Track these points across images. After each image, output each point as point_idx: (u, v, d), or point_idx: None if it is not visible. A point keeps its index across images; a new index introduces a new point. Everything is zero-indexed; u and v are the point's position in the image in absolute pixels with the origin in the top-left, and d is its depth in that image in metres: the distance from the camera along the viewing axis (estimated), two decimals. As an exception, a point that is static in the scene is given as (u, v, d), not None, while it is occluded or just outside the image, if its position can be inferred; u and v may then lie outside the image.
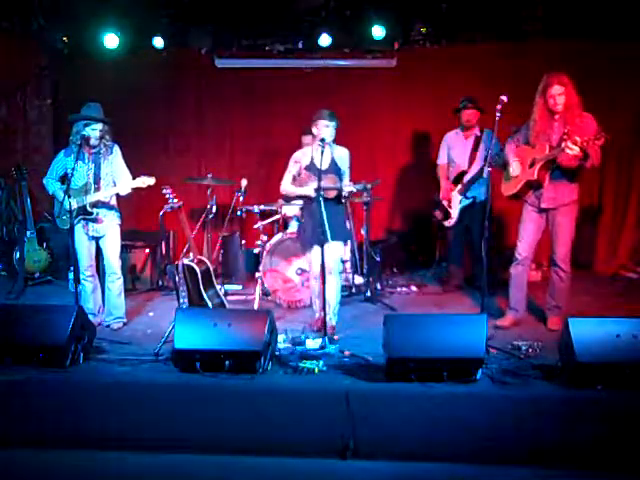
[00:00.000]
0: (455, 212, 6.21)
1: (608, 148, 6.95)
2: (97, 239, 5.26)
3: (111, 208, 5.22)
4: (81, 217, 5.12)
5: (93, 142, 5.12)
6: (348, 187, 4.86)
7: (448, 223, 6.30)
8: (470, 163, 6.21)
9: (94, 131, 5.09)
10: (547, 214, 4.98)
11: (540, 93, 4.81)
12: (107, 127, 5.18)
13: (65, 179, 5.09)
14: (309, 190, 4.89)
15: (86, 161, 5.15)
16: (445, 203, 6.29)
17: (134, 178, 5.11)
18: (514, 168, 4.95)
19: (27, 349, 4.10)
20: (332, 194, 4.84)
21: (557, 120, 4.81)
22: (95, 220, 5.15)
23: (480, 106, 6.19)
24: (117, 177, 5.20)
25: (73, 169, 4.94)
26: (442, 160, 6.47)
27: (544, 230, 5.05)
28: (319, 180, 4.68)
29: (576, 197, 4.96)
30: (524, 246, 5.05)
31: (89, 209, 5.10)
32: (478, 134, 6.24)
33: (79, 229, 5.14)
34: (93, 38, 6.89)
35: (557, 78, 4.73)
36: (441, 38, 7.07)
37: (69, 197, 4.85)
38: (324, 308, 4.63)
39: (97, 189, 5.13)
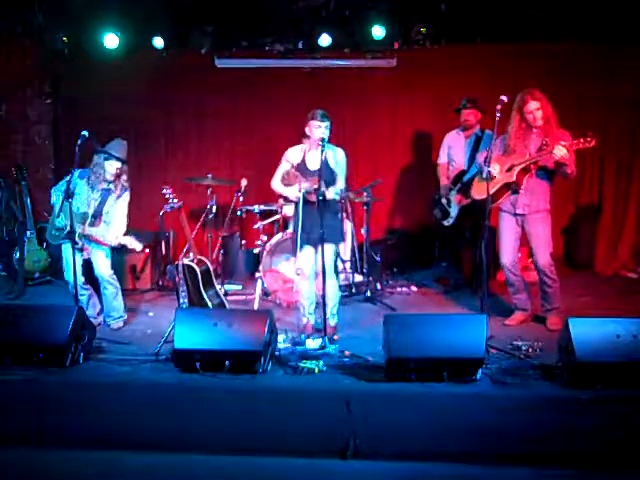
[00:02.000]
0: (454, 212, 6.21)
1: (608, 148, 7.12)
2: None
3: (99, 246, 5.15)
4: (68, 239, 4.98)
5: (108, 177, 5.13)
6: (328, 192, 4.73)
7: (447, 223, 6.30)
8: (470, 163, 6.20)
9: (111, 167, 5.10)
10: (522, 220, 5.07)
11: (516, 110, 4.94)
12: (126, 167, 5.19)
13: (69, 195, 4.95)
14: (292, 192, 4.88)
15: (94, 192, 5.14)
16: (444, 202, 6.28)
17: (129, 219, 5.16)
18: (495, 169, 4.92)
19: (27, 349, 4.10)
20: (312, 197, 4.74)
21: (535, 133, 4.93)
22: (80, 249, 5.02)
23: (480, 107, 6.19)
24: (113, 219, 5.14)
25: (73, 190, 4.87)
26: (442, 159, 6.47)
27: (521, 234, 5.13)
28: (319, 180, 4.66)
29: (549, 207, 5.04)
30: (507, 254, 5.14)
31: (77, 239, 4.91)
32: (479, 134, 6.24)
33: (67, 246, 5.08)
34: (93, 38, 6.89)
35: (531, 95, 4.87)
36: (441, 38, 7.05)
37: (65, 216, 4.81)
38: (324, 310, 4.60)
39: (93, 224, 5.09)
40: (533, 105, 4.86)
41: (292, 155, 5.02)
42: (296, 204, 4.96)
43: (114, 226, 5.13)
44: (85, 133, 4.69)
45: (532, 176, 4.95)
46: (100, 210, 5.14)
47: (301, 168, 4.93)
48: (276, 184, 5.04)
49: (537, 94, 4.87)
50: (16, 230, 7.01)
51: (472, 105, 6.21)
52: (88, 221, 5.08)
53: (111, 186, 5.16)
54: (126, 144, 5.24)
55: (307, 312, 5.00)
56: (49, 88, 7.63)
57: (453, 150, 6.37)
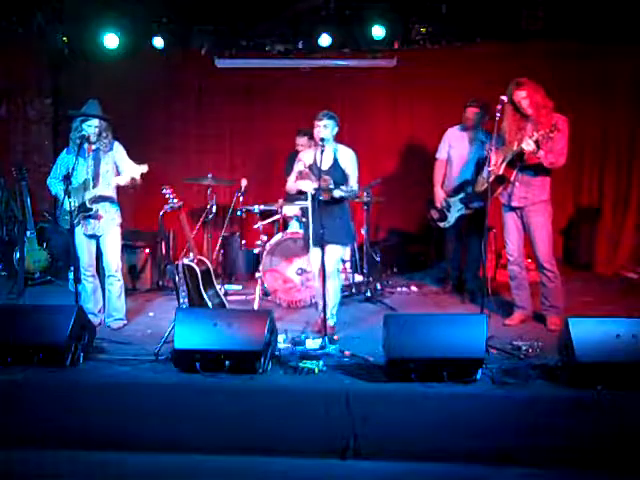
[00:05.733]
0: (453, 216, 6.14)
1: (608, 148, 7.13)
2: (97, 238, 5.26)
3: (112, 203, 5.21)
4: (81, 214, 5.11)
5: (92, 139, 5.12)
6: (337, 191, 4.77)
7: (442, 225, 6.23)
8: (477, 172, 5.94)
9: (90, 127, 5.09)
10: (520, 213, 5.04)
11: (508, 100, 4.87)
12: (105, 123, 5.16)
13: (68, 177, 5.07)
14: (307, 185, 4.90)
15: (86, 158, 5.16)
16: (444, 206, 6.18)
17: None
18: (490, 163, 4.95)
19: (27, 349, 4.09)
20: (326, 196, 4.78)
21: (529, 122, 4.88)
22: (95, 216, 5.15)
23: (485, 109, 6.03)
24: (123, 171, 5.18)
25: (73, 168, 4.95)
26: (442, 155, 6.29)
27: (524, 228, 5.09)
28: (319, 179, 4.68)
29: (546, 197, 4.99)
30: (512, 247, 5.14)
31: (88, 205, 5.09)
32: (483, 139, 5.98)
33: (79, 229, 5.14)
34: (93, 38, 6.90)
35: (517, 84, 4.83)
36: (441, 38, 7.07)
37: (69, 197, 4.84)
38: (324, 309, 4.62)
39: (95, 186, 5.12)
40: (519, 95, 4.82)
41: (305, 156, 5.11)
42: (305, 206, 5.00)
43: (126, 172, 5.12)
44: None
45: (522, 169, 4.90)
46: (97, 171, 5.14)
47: (313, 168, 4.96)
48: (290, 183, 5.13)
49: (523, 83, 4.82)
50: (16, 230, 7.02)
51: (475, 104, 6.07)
52: (90, 185, 5.11)
53: (98, 145, 5.15)
54: (98, 101, 5.18)
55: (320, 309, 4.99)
56: (49, 88, 7.64)
57: (454, 150, 6.23)
